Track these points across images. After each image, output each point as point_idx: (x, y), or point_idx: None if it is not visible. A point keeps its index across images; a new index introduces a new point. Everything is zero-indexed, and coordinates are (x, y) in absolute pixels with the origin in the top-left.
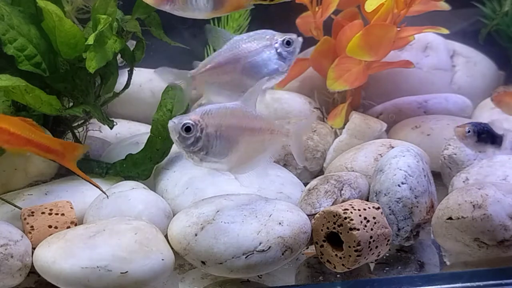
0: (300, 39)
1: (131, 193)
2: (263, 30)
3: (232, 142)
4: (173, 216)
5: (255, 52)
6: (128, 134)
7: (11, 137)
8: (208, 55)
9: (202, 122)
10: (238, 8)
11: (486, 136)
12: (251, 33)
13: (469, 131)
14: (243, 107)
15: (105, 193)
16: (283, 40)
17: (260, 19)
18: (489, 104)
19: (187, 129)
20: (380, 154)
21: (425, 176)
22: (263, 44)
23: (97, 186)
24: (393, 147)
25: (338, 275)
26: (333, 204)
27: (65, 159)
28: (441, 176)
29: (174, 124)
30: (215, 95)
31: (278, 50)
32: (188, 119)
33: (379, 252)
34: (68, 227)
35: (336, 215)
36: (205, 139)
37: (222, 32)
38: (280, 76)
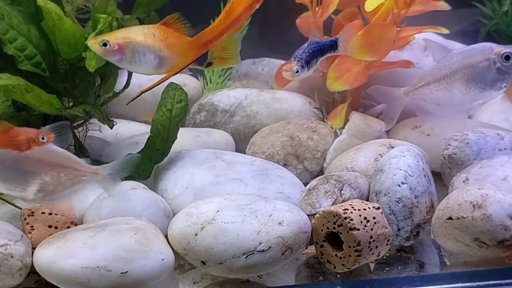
0: None
1: (131, 193)
2: (483, 43)
3: (29, 173)
4: (173, 216)
5: (471, 67)
6: (128, 134)
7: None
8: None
9: None
10: (180, 70)
11: (312, 58)
12: (469, 46)
13: (297, 71)
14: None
15: None
16: (502, 55)
17: (261, 19)
18: (489, 103)
19: None
20: (380, 154)
21: (425, 176)
22: (480, 58)
23: None
24: (393, 147)
25: (338, 275)
26: (333, 204)
27: None
28: (441, 176)
29: None
30: (429, 113)
31: (497, 65)
32: None
33: (379, 252)
34: (68, 227)
35: (336, 215)
36: None
37: (440, 47)
38: (499, 91)
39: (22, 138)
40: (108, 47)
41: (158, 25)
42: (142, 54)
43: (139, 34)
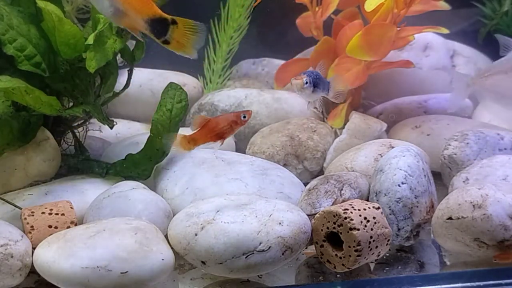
0: None
1: (131, 193)
2: None
3: None
4: (173, 216)
5: None
6: (128, 134)
7: None
8: (207, 55)
9: None
10: (133, 29)
11: (318, 83)
12: None
13: (306, 82)
14: None
15: None
16: None
17: (261, 19)
18: (489, 103)
19: None
20: (380, 154)
21: (425, 176)
22: None
23: None
24: (393, 147)
25: (338, 275)
26: (333, 204)
27: None
28: (441, 176)
29: None
30: (493, 102)
31: None
32: None
33: (379, 252)
34: (68, 227)
35: (336, 215)
36: None
37: (509, 41)
38: None
39: (224, 125)
40: None
41: None
42: None
43: None
